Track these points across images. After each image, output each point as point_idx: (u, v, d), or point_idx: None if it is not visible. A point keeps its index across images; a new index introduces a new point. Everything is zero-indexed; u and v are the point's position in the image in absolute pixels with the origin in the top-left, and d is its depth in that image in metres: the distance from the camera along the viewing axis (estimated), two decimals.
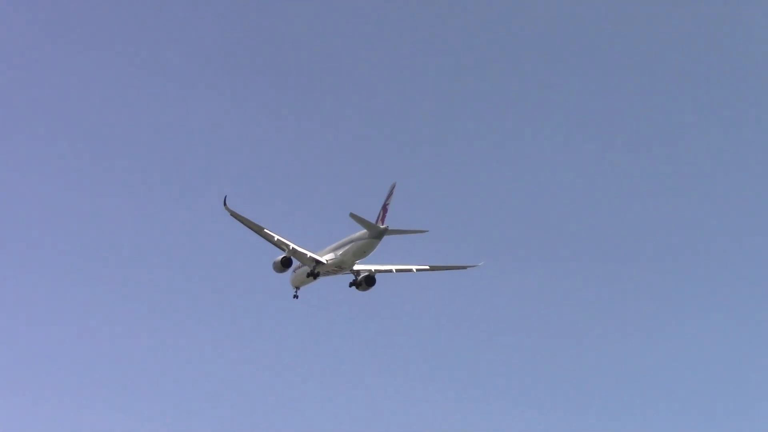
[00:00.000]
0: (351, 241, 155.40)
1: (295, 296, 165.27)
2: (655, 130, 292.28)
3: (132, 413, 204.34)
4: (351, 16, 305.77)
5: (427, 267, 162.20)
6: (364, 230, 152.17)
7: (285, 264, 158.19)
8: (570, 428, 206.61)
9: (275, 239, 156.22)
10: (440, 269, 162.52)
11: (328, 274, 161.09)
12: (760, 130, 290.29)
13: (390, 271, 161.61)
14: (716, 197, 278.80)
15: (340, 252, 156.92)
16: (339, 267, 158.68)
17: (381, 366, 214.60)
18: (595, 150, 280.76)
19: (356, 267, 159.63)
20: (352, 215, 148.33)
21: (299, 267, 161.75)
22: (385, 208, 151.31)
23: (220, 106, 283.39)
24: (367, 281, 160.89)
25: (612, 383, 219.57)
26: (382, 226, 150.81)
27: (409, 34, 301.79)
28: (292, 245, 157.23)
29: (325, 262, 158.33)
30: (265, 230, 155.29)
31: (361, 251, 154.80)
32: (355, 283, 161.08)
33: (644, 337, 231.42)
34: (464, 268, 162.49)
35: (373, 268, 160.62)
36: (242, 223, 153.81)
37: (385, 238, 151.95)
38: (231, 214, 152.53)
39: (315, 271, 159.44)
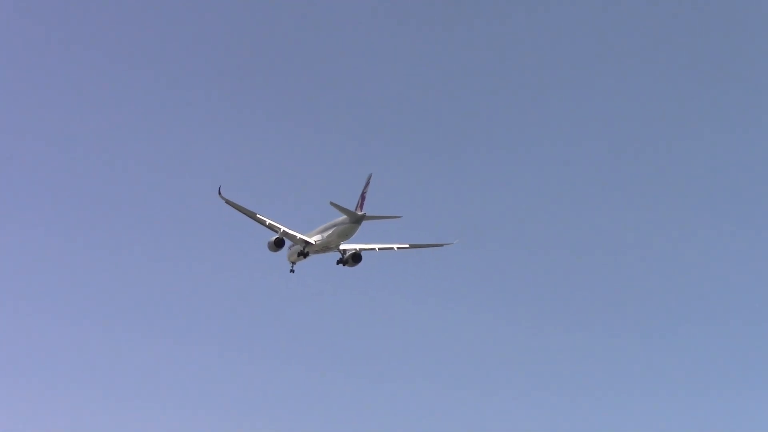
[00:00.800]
0: (334, 225, 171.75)
1: (292, 270, 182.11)
2: (631, 126, 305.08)
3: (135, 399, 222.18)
4: (334, 13, 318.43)
5: (407, 245, 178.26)
6: (346, 216, 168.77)
7: (278, 244, 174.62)
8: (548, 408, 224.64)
9: (267, 223, 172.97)
10: (419, 247, 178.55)
11: (317, 253, 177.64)
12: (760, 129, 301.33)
13: (373, 249, 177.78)
14: (698, 196, 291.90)
15: (326, 234, 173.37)
16: (326, 247, 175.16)
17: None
18: (575, 140, 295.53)
19: (342, 246, 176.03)
20: (332, 204, 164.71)
21: (293, 246, 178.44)
22: (363, 197, 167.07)
23: (212, 105, 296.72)
24: (353, 258, 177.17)
25: (582, 362, 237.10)
26: (360, 213, 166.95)
27: (392, 30, 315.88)
28: (282, 228, 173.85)
29: (314, 242, 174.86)
30: (258, 215, 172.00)
31: (344, 234, 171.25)
32: (342, 261, 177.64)
33: (621, 317, 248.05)
34: (441, 246, 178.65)
35: (357, 247, 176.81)
36: (237, 209, 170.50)
37: (366, 221, 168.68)
38: (226, 202, 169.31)
39: (305, 250, 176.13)
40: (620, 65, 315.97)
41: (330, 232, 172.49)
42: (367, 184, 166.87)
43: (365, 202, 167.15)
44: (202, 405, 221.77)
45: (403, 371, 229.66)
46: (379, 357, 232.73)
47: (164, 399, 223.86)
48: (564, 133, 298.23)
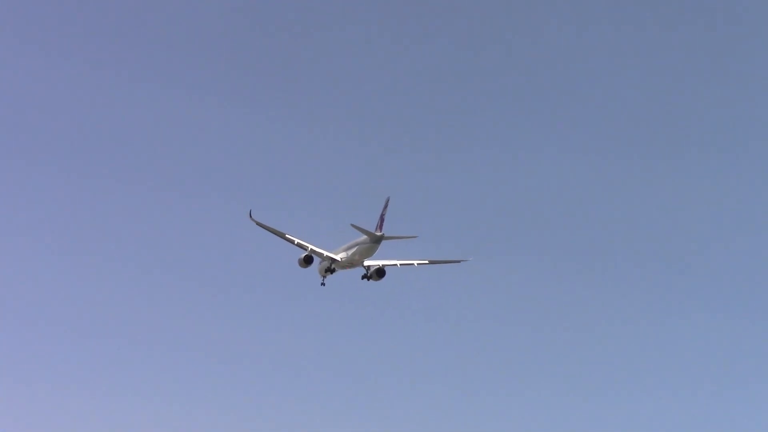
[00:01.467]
0: (357, 244, 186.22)
1: (323, 284, 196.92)
2: (643, 128, 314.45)
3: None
4: (340, 18, 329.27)
5: (426, 261, 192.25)
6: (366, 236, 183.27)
7: (307, 261, 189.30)
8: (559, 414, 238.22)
9: (296, 242, 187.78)
10: (437, 263, 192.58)
11: (344, 269, 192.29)
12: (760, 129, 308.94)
13: (395, 265, 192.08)
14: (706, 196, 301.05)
15: (350, 252, 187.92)
16: (351, 263, 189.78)
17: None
18: (583, 148, 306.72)
19: (366, 263, 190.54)
20: (353, 225, 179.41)
21: (322, 262, 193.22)
22: (382, 218, 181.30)
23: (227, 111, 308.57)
24: (377, 273, 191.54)
25: (594, 370, 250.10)
26: (378, 234, 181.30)
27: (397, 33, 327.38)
28: (310, 247, 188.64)
29: (339, 259, 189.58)
30: (287, 235, 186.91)
31: (366, 252, 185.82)
32: (367, 276, 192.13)
33: (633, 328, 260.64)
34: (457, 262, 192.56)
35: (380, 263, 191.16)
36: (267, 230, 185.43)
37: (387, 240, 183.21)
38: (257, 224, 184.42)
39: (331, 267, 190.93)
40: (628, 65, 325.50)
41: (354, 250, 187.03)
42: (386, 206, 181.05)
43: (384, 223, 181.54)
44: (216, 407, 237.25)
45: (426, 375, 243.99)
46: (406, 364, 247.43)
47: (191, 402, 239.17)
48: (579, 139, 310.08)
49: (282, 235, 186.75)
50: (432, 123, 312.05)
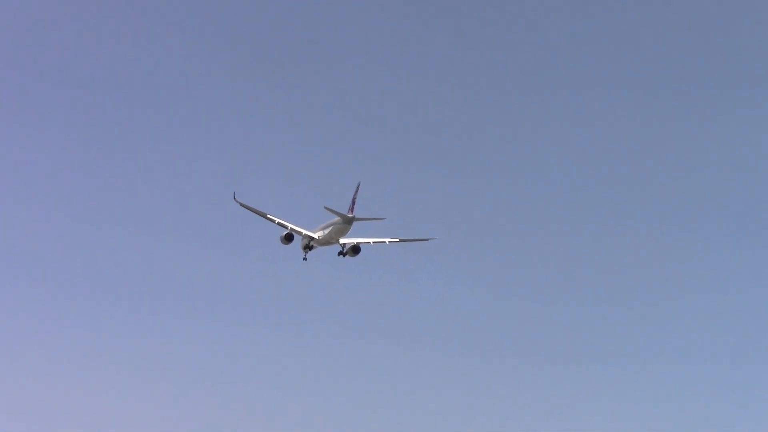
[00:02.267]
0: (332, 224, 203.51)
1: (305, 258, 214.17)
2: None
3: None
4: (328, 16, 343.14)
5: (398, 239, 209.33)
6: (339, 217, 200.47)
7: (288, 239, 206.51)
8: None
9: (276, 222, 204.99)
10: (407, 241, 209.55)
11: (322, 245, 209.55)
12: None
13: (368, 243, 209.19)
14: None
15: (326, 231, 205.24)
16: (328, 242, 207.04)
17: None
18: (548, 128, 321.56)
19: (342, 241, 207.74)
20: (327, 208, 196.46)
21: (302, 240, 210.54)
22: (353, 201, 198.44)
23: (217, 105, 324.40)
24: (353, 250, 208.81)
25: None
26: (350, 215, 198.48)
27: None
28: (290, 225, 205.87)
29: (317, 237, 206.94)
30: (268, 215, 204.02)
31: (340, 232, 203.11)
32: (343, 253, 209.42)
33: (598, 307, 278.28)
34: (425, 240, 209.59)
35: (355, 240, 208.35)
36: (250, 210, 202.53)
37: (357, 222, 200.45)
38: (240, 205, 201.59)
39: (310, 244, 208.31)
40: (617, 66, 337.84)
41: (329, 230, 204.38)
42: (357, 191, 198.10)
43: (355, 206, 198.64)
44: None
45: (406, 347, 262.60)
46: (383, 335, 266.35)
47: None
48: (542, 131, 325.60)
49: (264, 215, 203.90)
50: (404, 113, 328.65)
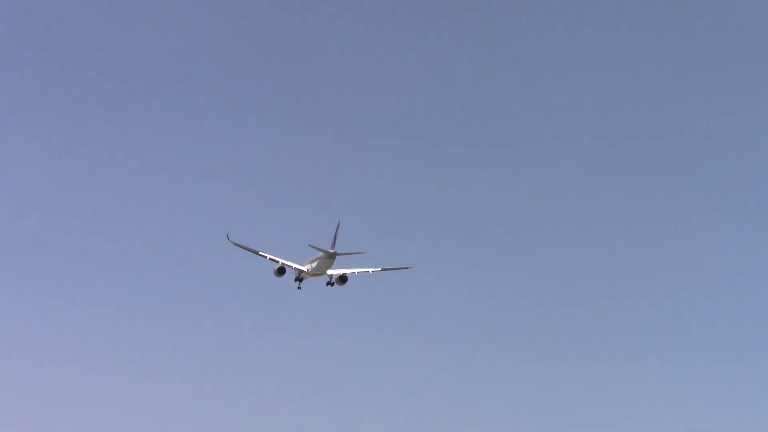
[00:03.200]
0: (318, 258, 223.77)
1: (299, 287, 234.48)
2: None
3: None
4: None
5: (380, 269, 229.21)
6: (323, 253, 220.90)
7: (280, 272, 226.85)
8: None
9: (268, 258, 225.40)
10: (388, 270, 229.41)
11: (311, 277, 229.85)
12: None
13: (354, 273, 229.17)
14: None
15: (313, 265, 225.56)
16: (316, 273, 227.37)
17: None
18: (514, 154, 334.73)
19: (329, 272, 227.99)
20: (310, 245, 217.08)
21: (294, 271, 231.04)
22: (335, 237, 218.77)
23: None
24: (340, 279, 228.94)
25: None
26: (332, 251, 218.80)
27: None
28: (281, 261, 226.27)
29: (306, 270, 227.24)
30: (260, 252, 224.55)
31: (325, 265, 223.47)
32: (330, 283, 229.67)
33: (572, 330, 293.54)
34: (405, 268, 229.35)
35: (341, 271, 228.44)
36: (243, 248, 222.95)
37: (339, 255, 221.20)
38: (234, 245, 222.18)
39: (300, 276, 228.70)
40: (613, 66, 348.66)
41: (316, 263, 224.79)
42: (337, 228, 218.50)
43: (336, 242, 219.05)
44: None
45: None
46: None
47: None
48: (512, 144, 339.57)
49: (256, 252, 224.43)
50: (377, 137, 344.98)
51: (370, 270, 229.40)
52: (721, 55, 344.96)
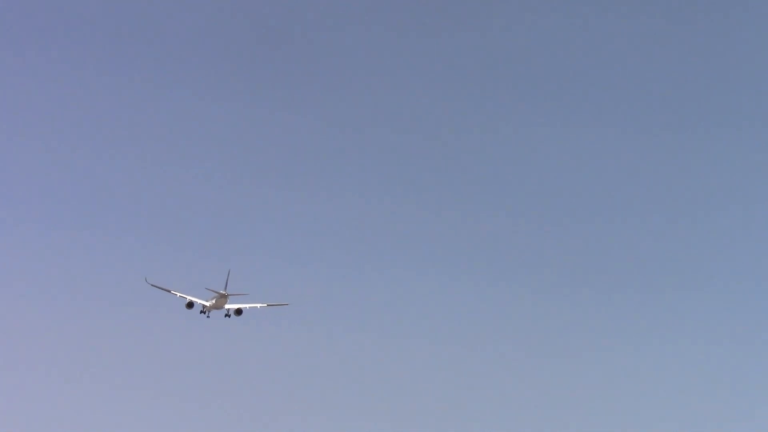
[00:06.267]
0: (215, 297, 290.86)
1: (207, 316, 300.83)
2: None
3: None
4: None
5: (266, 304, 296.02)
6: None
7: (189, 306, 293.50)
8: None
9: (178, 295, 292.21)
10: (272, 306, 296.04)
11: (215, 309, 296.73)
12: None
13: (245, 307, 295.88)
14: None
15: (213, 301, 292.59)
16: (215, 308, 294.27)
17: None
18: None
19: (226, 306, 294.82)
20: (207, 288, 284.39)
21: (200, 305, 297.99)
22: (227, 282, 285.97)
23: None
24: (236, 312, 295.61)
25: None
26: (223, 292, 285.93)
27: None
28: (189, 298, 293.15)
29: (208, 305, 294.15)
30: (171, 291, 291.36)
31: (221, 302, 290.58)
32: (227, 315, 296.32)
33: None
34: (284, 305, 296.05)
35: (235, 306, 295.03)
36: (158, 288, 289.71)
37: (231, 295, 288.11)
38: (152, 286, 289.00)
39: (204, 309, 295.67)
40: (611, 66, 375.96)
41: (214, 300, 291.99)
42: (228, 276, 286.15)
43: (228, 285, 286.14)
44: None
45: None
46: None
47: None
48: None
49: (169, 291, 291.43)
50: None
51: (258, 305, 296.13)
52: (722, 56, 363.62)
